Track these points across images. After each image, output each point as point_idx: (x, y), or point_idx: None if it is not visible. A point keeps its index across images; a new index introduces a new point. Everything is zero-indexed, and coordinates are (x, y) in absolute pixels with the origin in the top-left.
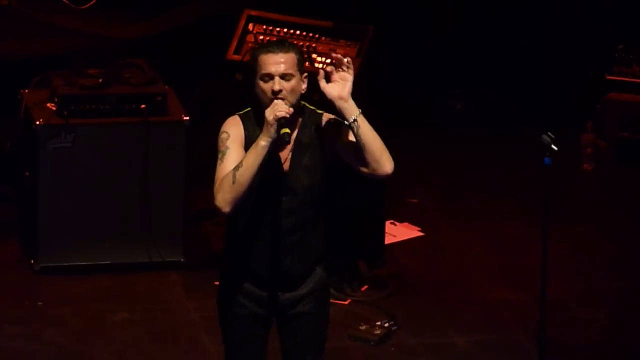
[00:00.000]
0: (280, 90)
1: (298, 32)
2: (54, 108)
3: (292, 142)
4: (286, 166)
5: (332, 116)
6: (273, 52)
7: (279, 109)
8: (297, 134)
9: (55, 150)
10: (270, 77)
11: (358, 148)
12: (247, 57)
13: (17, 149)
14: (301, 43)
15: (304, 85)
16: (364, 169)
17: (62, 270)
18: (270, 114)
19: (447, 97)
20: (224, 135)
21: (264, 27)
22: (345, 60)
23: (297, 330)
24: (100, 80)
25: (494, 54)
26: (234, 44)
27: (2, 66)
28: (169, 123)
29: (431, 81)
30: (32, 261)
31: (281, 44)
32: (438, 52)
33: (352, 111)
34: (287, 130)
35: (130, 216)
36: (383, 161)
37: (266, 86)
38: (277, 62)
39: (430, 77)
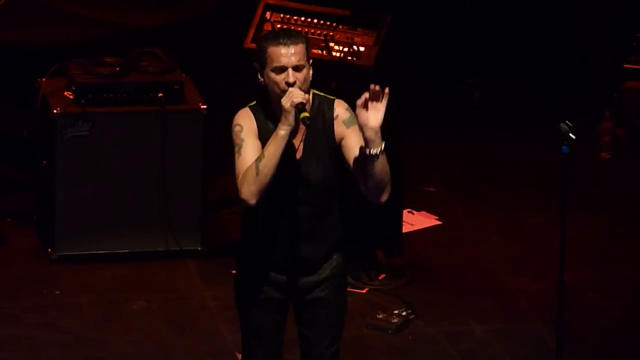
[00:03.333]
0: (295, 82)
1: (315, 20)
2: (71, 97)
3: (303, 130)
4: (298, 155)
5: (344, 103)
6: (284, 44)
7: (295, 95)
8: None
9: (73, 139)
10: (283, 69)
11: (366, 173)
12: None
13: (35, 137)
14: (319, 32)
15: (311, 72)
16: (362, 188)
17: (80, 259)
18: (287, 101)
19: (464, 86)
20: (237, 128)
21: (281, 15)
22: (380, 91)
23: (314, 315)
24: (118, 69)
25: (512, 41)
26: (252, 32)
27: (19, 55)
28: (186, 112)
29: (449, 69)
30: (50, 250)
31: (289, 34)
32: (455, 39)
33: (377, 144)
34: (307, 114)
35: (147, 205)
36: (383, 193)
37: (279, 78)
38: (289, 54)
39: (448, 65)
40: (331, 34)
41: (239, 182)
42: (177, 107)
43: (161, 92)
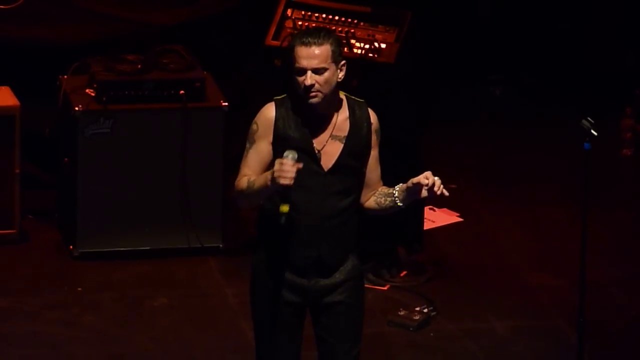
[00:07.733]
0: (313, 85)
1: (336, 17)
2: (92, 94)
3: (348, 129)
4: (332, 160)
5: (373, 112)
6: (307, 44)
7: (284, 174)
8: (350, 120)
9: (94, 136)
10: (303, 71)
11: (378, 203)
12: (285, 43)
13: (56, 135)
14: (340, 29)
15: (342, 74)
16: (362, 199)
17: (101, 256)
18: (276, 175)
19: (486, 83)
20: (253, 127)
21: (303, 12)
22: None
23: (333, 320)
24: (139, 66)
25: (534, 38)
26: (273, 29)
27: (41, 52)
28: (207, 109)
29: (470, 66)
30: (71, 247)
31: (316, 35)
32: (477, 36)
33: (407, 203)
34: (287, 209)
35: (168, 202)
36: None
37: (299, 80)
38: (310, 56)
39: (469, 62)
40: (352, 30)
41: (235, 182)
42: (199, 104)
43: (182, 90)
